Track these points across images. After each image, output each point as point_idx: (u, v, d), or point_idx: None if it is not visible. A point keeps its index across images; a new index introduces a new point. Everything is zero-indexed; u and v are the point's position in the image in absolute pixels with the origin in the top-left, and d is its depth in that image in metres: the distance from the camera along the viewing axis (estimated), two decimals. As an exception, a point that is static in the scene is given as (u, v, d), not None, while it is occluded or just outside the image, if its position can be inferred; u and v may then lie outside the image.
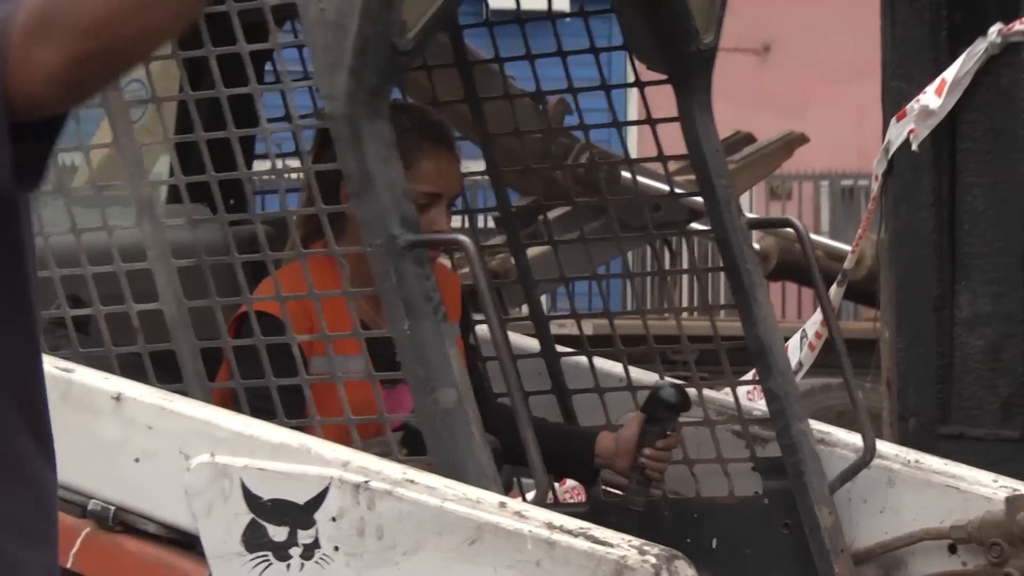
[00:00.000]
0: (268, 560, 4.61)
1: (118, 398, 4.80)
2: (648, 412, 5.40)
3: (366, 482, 4.54)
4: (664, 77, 5.79)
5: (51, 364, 4.95)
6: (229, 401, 5.05)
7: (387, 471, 4.59)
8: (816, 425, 5.64)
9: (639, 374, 5.90)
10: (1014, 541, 5.35)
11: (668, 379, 5.52)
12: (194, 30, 5.17)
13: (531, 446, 4.92)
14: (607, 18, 6.20)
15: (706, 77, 5.70)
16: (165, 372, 5.06)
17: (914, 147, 6.85)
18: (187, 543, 4.75)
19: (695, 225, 9.37)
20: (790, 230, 6.51)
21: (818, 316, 7.55)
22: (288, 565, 4.59)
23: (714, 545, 5.41)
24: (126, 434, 4.85)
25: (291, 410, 4.89)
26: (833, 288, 7.89)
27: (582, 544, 4.41)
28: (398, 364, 5.02)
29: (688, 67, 5.55)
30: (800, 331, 7.27)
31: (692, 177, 6.87)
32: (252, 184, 5.81)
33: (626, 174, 7.61)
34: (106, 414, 4.83)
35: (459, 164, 5.50)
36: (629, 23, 5.61)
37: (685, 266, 17.05)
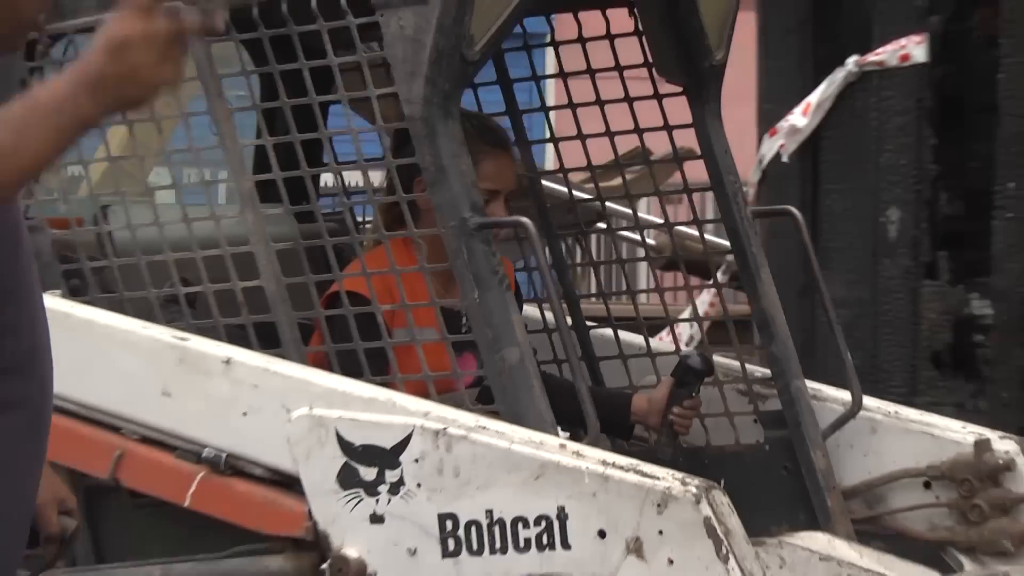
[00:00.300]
0: (360, 496, 4.76)
1: (228, 361, 4.97)
2: (677, 377, 5.52)
3: (444, 429, 4.68)
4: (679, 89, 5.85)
5: (168, 334, 5.20)
6: (321, 368, 5.14)
7: (462, 419, 4.74)
8: (810, 383, 5.74)
9: (655, 344, 6.02)
10: (981, 478, 5.50)
11: (692, 349, 5.73)
12: (286, 46, 5.24)
13: (584, 393, 5.05)
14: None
15: (717, 88, 5.83)
16: (261, 341, 5.17)
17: (784, 159, 7.04)
18: (289, 484, 4.89)
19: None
20: (684, 229, 6.75)
21: (707, 296, 7.74)
22: (377, 500, 4.74)
23: (722, 486, 5.15)
24: (235, 392, 5.00)
25: (376, 373, 5.03)
26: (718, 275, 8.23)
27: (632, 477, 4.56)
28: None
29: (702, 80, 5.69)
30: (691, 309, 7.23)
31: (593, 185, 7.02)
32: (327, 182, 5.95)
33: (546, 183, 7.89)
34: (218, 375, 5.00)
35: (514, 163, 5.63)
36: (655, 45, 5.74)
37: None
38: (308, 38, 5.34)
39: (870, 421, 5.71)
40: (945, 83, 8.26)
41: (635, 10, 5.85)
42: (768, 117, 6.97)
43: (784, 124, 6.97)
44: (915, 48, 8.00)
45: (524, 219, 5.28)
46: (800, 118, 6.73)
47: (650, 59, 5.94)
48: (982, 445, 5.54)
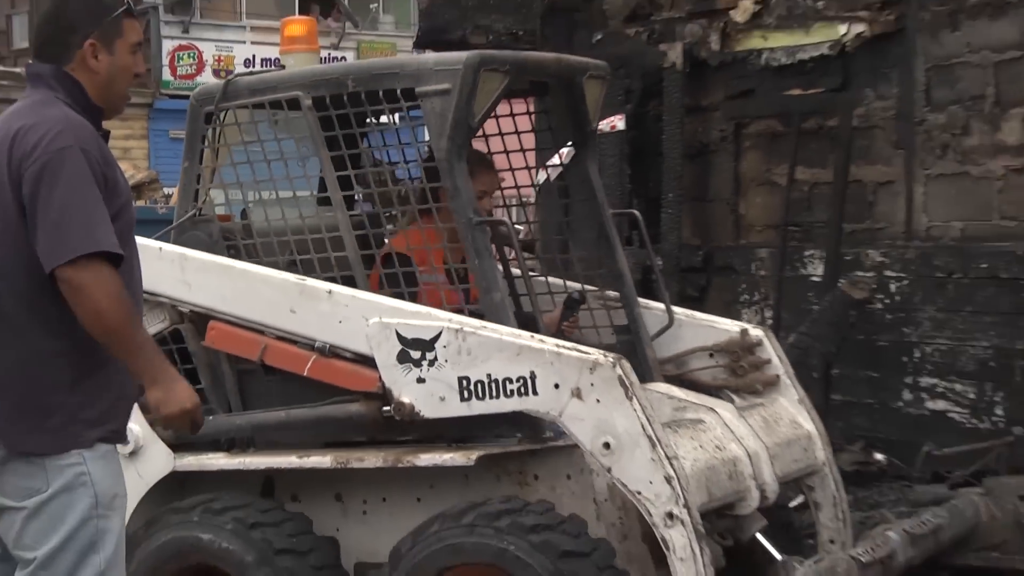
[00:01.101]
0: (410, 368, 5.16)
1: (330, 292, 5.30)
2: (566, 305, 5.78)
3: (462, 328, 5.05)
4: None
5: (293, 277, 5.42)
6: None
7: (471, 323, 5.11)
8: (642, 301, 6.04)
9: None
10: (744, 349, 5.95)
11: (574, 288, 6.04)
12: (359, 114, 5.43)
13: (538, 314, 5.44)
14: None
15: (593, 143, 6.12)
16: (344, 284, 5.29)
17: (549, 181, 7.51)
18: (367, 362, 5.23)
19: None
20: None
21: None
22: (420, 369, 5.15)
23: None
24: (334, 309, 5.30)
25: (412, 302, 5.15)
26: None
27: (575, 353, 4.96)
28: (466, 281, 5.34)
29: (585, 138, 6.01)
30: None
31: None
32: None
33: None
34: (324, 299, 5.30)
35: (496, 174, 5.85)
36: (559, 117, 6.14)
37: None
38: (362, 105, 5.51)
39: (678, 319, 6.07)
40: (635, 140, 8.94)
41: (549, 97, 6.12)
42: (542, 159, 7.44)
43: (549, 164, 7.54)
44: (619, 121, 8.66)
45: (504, 219, 5.68)
46: (558, 159, 7.38)
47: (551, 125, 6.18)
48: (744, 332, 5.95)
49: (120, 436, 4.06)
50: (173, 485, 5.61)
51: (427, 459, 5.16)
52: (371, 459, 5.26)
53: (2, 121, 4.02)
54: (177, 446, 5.50)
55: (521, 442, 5.21)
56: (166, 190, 15.32)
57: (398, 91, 5.31)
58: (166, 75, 17.96)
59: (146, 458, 5.60)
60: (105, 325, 3.79)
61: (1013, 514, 5.95)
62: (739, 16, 8.74)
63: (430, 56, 5.58)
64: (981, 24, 7.82)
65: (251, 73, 5.87)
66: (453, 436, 5.27)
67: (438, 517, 5.06)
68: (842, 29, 8.33)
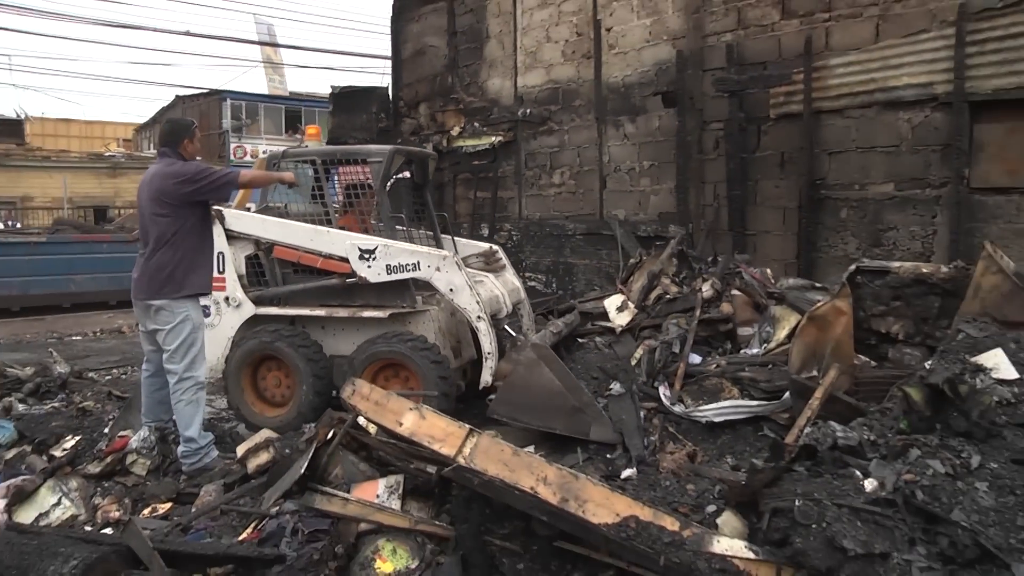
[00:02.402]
0: (365, 261, 5.99)
1: (328, 231, 6.20)
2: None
3: (387, 244, 5.98)
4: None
5: (311, 228, 6.26)
6: None
7: (391, 242, 6.00)
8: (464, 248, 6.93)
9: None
10: (490, 255, 6.50)
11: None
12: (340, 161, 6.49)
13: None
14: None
15: (429, 184, 6.88)
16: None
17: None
18: (346, 260, 6.08)
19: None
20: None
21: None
22: (369, 262, 5.97)
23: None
24: (331, 238, 6.15)
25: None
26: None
27: (436, 250, 6.00)
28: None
29: (425, 182, 6.86)
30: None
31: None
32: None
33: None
34: (325, 234, 6.15)
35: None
36: (416, 171, 6.87)
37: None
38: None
39: (461, 242, 6.92)
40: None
41: (413, 164, 6.75)
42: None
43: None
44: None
45: (402, 215, 6.61)
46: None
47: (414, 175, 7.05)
48: (490, 247, 6.93)
49: (204, 293, 5.24)
50: (252, 321, 6.74)
51: (367, 313, 6.34)
52: (342, 312, 6.44)
53: (151, 174, 5.12)
54: (256, 302, 6.61)
55: (405, 307, 6.30)
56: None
57: (359, 160, 6.57)
58: (231, 157, 25.62)
59: (241, 308, 6.52)
60: (256, 186, 5.37)
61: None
62: (454, 132, 10.63)
63: (373, 146, 6.67)
64: (543, 137, 9.32)
65: (295, 148, 7.11)
66: (375, 304, 6.39)
67: (369, 338, 6.18)
68: (494, 138, 10.10)
